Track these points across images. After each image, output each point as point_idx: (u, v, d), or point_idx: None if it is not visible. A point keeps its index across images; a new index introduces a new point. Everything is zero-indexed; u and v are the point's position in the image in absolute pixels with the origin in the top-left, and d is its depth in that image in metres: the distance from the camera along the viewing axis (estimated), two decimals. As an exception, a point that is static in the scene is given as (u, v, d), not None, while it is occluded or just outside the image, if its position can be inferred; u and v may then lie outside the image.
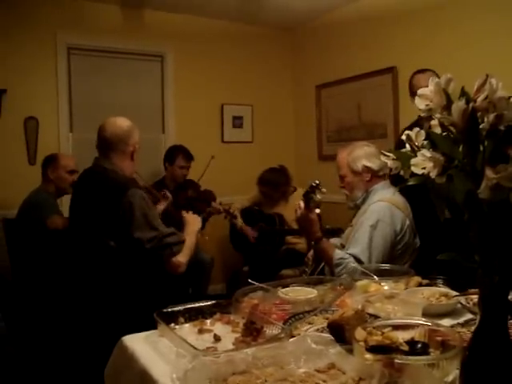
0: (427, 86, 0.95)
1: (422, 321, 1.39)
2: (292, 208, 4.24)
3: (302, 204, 2.38)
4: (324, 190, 2.30)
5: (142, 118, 5.03)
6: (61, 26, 4.61)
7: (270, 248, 4.58)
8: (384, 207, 2.54)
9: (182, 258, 2.39)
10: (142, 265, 2.42)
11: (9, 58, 4.41)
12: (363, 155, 2.66)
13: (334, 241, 2.79)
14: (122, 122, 2.53)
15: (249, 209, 4.81)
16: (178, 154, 4.55)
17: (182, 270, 2.40)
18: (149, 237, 2.31)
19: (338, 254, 2.40)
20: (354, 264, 2.31)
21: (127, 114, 4.67)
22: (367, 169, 2.64)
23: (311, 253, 2.93)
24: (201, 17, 5.23)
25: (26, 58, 4.49)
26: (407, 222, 2.58)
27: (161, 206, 3.48)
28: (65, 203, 4.02)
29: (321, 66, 5.45)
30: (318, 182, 2.30)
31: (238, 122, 5.59)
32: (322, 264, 2.58)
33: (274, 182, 4.62)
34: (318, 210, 2.38)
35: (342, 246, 2.63)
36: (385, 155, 1.22)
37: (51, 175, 3.72)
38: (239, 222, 4.72)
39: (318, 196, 2.30)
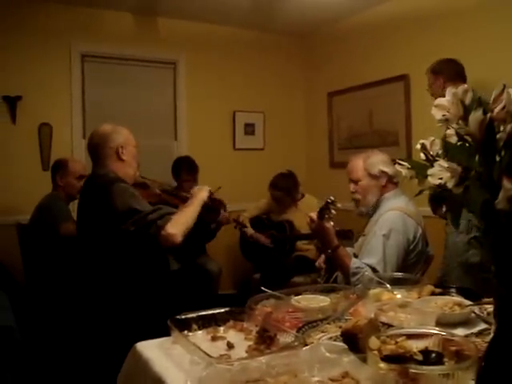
0: None
1: (435, 330, 1.39)
2: (301, 214, 4.24)
3: (314, 216, 2.38)
4: (339, 205, 2.31)
5: (154, 125, 5.09)
6: (75, 33, 4.66)
7: (281, 255, 4.57)
8: (396, 216, 2.55)
9: (172, 228, 2.27)
10: (152, 270, 2.43)
11: (24, 65, 4.46)
12: (380, 161, 2.70)
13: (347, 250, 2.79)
14: (103, 127, 2.58)
15: (258, 217, 4.81)
16: (180, 168, 4.56)
17: (176, 240, 2.28)
18: (131, 221, 2.28)
19: (355, 262, 2.40)
20: (369, 274, 2.30)
21: (140, 120, 4.80)
22: (384, 173, 2.67)
23: (322, 259, 2.93)
24: (213, 24, 5.25)
25: (41, 65, 4.54)
26: (419, 231, 2.58)
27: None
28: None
29: (333, 73, 5.45)
30: (333, 198, 2.31)
31: (249, 129, 5.61)
32: (336, 274, 2.57)
33: (287, 187, 4.62)
34: (331, 223, 2.38)
35: (355, 256, 2.63)
36: (399, 164, 1.22)
37: (60, 182, 3.72)
38: (249, 230, 4.72)
39: (333, 211, 2.31)
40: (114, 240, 2.36)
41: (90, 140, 2.59)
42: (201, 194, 2.58)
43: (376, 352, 1.21)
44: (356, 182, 2.73)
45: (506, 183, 0.87)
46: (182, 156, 4.78)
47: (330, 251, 2.43)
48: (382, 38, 4.71)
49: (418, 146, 1.16)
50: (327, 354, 1.30)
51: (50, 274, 3.37)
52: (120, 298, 2.37)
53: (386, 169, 2.67)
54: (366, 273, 2.33)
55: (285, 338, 1.48)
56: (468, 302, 1.79)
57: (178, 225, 2.32)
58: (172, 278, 2.56)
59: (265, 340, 1.48)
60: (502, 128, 0.92)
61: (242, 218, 4.74)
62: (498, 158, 0.92)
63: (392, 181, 2.69)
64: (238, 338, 1.58)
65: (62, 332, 3.13)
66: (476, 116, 0.90)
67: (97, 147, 2.53)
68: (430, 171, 0.97)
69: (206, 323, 1.67)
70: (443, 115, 0.95)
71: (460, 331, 1.59)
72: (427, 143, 1.11)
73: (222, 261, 4.89)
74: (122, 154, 2.53)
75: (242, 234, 4.80)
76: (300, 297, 1.88)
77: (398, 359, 1.19)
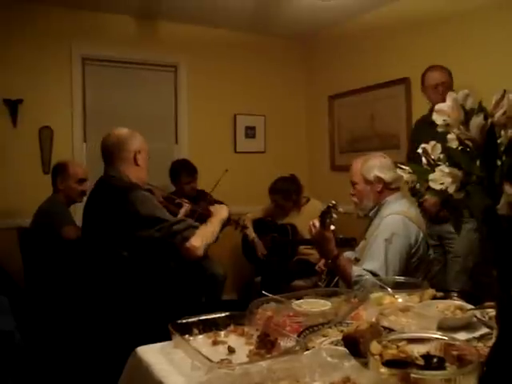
0: None
1: (437, 334, 1.38)
2: (305, 218, 4.23)
3: (317, 223, 2.37)
4: (341, 209, 2.30)
5: (155, 128, 5.08)
6: (75, 36, 4.67)
7: (283, 259, 4.56)
8: (398, 220, 2.53)
9: (196, 241, 2.31)
10: (155, 274, 2.43)
11: (25, 68, 4.47)
12: (377, 166, 2.65)
13: (348, 254, 2.77)
14: (120, 131, 2.57)
15: (261, 220, 4.81)
16: (179, 171, 4.56)
17: (199, 253, 2.32)
18: (156, 228, 2.30)
19: (356, 270, 2.37)
20: (371, 279, 2.28)
21: (140, 123, 4.80)
22: (379, 179, 2.63)
23: (323, 262, 2.92)
24: (214, 28, 5.26)
25: (42, 68, 4.55)
26: (421, 235, 2.56)
27: (182, 209, 3.50)
28: (78, 212, 4.05)
29: (334, 76, 5.45)
30: (334, 202, 2.30)
31: (250, 132, 5.61)
32: (337, 277, 2.56)
33: (285, 191, 4.60)
34: (332, 227, 2.37)
35: (357, 260, 2.62)
36: (400, 168, 1.22)
37: (60, 185, 3.71)
38: (251, 234, 4.71)
39: (335, 215, 2.31)
40: (128, 244, 2.35)
41: (105, 141, 2.55)
42: (222, 213, 2.62)
43: (377, 357, 1.21)
44: (354, 184, 2.73)
45: (507, 188, 0.87)
46: (179, 159, 4.78)
47: (329, 261, 2.42)
48: (383, 41, 4.71)
49: (420, 151, 1.16)
50: (328, 359, 1.30)
51: (50, 277, 3.36)
52: (122, 302, 2.37)
53: (381, 175, 2.62)
54: (367, 276, 2.32)
55: (286, 343, 1.48)
56: (469, 306, 1.78)
57: (202, 239, 2.36)
58: (172, 276, 2.54)
59: (266, 344, 1.48)
60: (502, 133, 0.92)
61: (244, 219, 4.73)
62: (499, 163, 0.92)
63: (389, 187, 2.64)
64: (238, 343, 1.57)
65: (62, 336, 3.13)
66: (477, 121, 0.90)
67: (113, 149, 2.51)
68: (430, 176, 0.96)
69: (206, 327, 1.66)
70: (444, 120, 0.95)
71: (461, 335, 1.58)
72: (428, 148, 1.11)
73: (224, 265, 4.88)
74: (138, 159, 2.54)
75: (244, 236, 4.78)
76: (301, 301, 1.87)
77: (400, 364, 1.18)
